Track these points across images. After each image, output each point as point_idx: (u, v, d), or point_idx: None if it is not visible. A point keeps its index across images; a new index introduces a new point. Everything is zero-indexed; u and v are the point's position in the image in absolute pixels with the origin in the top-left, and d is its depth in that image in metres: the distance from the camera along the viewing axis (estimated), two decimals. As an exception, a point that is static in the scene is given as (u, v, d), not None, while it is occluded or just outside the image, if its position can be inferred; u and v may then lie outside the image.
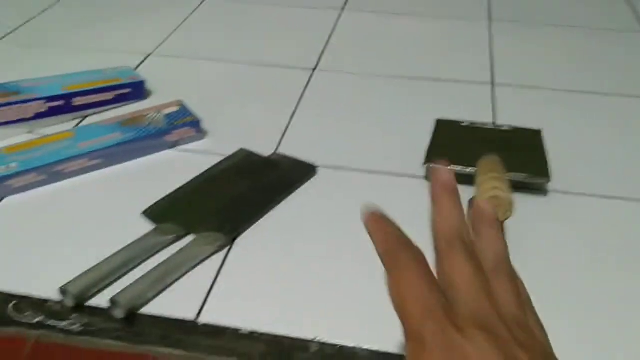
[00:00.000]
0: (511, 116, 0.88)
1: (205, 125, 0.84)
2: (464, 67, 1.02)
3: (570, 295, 0.60)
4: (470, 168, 0.71)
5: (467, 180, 0.73)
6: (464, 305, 0.29)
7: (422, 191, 0.74)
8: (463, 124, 0.83)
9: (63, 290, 0.57)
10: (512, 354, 0.27)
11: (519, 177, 0.70)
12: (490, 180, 0.56)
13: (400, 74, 1.00)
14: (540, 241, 0.67)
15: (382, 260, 0.32)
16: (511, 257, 0.64)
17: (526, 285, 0.61)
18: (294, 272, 0.63)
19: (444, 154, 0.76)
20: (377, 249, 0.33)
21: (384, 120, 0.88)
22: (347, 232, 0.68)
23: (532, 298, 0.53)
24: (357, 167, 0.78)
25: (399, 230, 0.34)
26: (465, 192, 0.72)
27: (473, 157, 0.72)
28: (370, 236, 0.34)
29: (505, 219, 0.54)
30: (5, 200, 0.71)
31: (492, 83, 0.98)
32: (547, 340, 0.31)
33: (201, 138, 0.83)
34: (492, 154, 0.68)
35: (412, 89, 0.96)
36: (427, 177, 0.76)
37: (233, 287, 0.61)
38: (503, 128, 0.83)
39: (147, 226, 0.68)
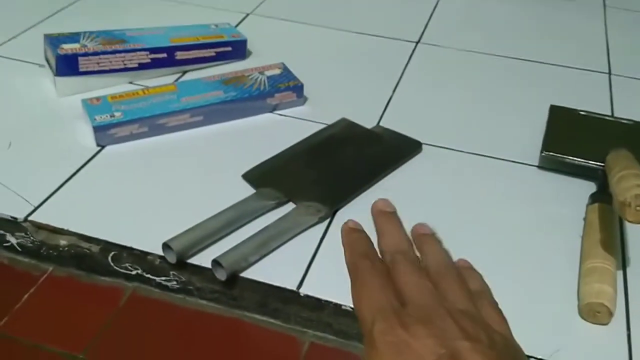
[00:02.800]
0: (629, 109, 0.82)
1: (306, 91, 0.81)
2: (578, 53, 0.96)
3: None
4: (593, 162, 0.66)
5: (588, 173, 0.68)
6: (412, 305, 0.31)
7: (535, 180, 0.70)
8: (581, 113, 0.78)
9: (166, 246, 0.56)
10: (452, 344, 0.28)
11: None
12: (632, 177, 0.51)
13: (509, 54, 0.95)
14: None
15: (348, 270, 0.35)
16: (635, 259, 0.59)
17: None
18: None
19: (562, 143, 0.71)
20: (345, 260, 0.36)
21: (492, 100, 0.84)
22: (451, 214, 0.64)
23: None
24: (465, 148, 0.74)
25: (367, 243, 0.37)
26: (584, 187, 0.68)
27: (595, 149, 0.67)
28: (343, 247, 0.38)
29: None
30: (107, 149, 0.71)
31: (609, 72, 0.91)
32: (506, 329, 0.32)
33: (301, 104, 0.80)
34: (620, 148, 0.63)
35: (522, 70, 0.91)
36: (541, 166, 0.71)
37: (334, 261, 0.59)
38: (623, 121, 0.77)
39: (246, 188, 0.66)
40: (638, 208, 0.48)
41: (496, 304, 0.34)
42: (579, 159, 0.67)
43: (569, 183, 0.69)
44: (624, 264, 0.59)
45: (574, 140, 0.71)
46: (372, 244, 0.37)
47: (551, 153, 0.69)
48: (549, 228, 0.63)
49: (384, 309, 0.31)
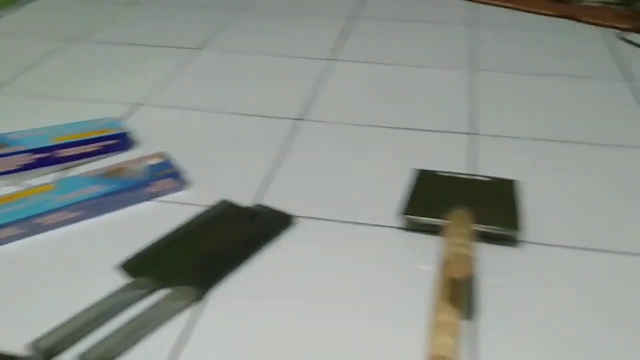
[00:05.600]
0: (491, 166, 0.89)
1: (190, 176, 0.85)
2: (445, 117, 1.04)
3: (546, 346, 0.60)
4: (442, 221, 0.72)
5: (441, 231, 0.74)
6: None
7: (398, 241, 0.75)
8: (441, 174, 0.84)
9: (33, 345, 0.58)
10: None
11: (491, 229, 0.71)
12: (456, 237, 0.57)
13: (382, 123, 1.02)
14: (513, 293, 0.67)
15: None
16: (485, 310, 0.64)
17: (499, 336, 0.61)
18: (268, 327, 0.63)
19: (420, 204, 0.77)
20: None
21: (364, 169, 0.89)
22: (322, 284, 0.68)
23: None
24: (336, 218, 0.79)
25: None
26: (439, 243, 0.73)
27: (447, 209, 0.73)
28: None
29: (468, 276, 0.54)
30: (-15, 253, 0.72)
31: (473, 133, 0.99)
32: None
33: (183, 189, 0.84)
34: (462, 208, 0.69)
35: (392, 138, 0.98)
36: (404, 228, 0.76)
37: (207, 343, 0.61)
38: (480, 179, 0.84)
39: (124, 280, 0.68)
40: (456, 265, 0.54)
41: None
42: (430, 219, 0.73)
43: (430, 242, 0.74)
44: (473, 314, 0.64)
45: (431, 201, 0.77)
46: None
47: (408, 215, 0.74)
48: (411, 286, 0.68)
49: None
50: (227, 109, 1.06)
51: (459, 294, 0.61)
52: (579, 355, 0.60)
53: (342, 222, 0.78)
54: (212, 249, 0.73)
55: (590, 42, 1.35)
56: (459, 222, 0.63)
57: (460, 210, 0.68)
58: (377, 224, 0.78)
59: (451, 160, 0.91)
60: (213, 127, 1.01)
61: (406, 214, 0.75)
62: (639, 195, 0.83)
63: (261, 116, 1.04)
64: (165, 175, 0.82)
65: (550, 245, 0.74)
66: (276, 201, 0.82)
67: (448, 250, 0.54)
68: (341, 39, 1.37)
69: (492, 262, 0.71)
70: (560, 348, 0.60)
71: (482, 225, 0.72)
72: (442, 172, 0.85)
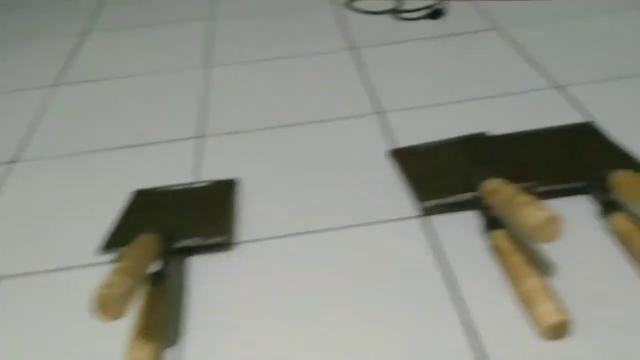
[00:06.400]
0: (216, 169, 0.86)
1: None
2: (172, 124, 0.99)
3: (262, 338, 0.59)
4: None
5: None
6: None
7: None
8: (158, 191, 0.80)
9: None
10: None
11: (196, 241, 0.69)
12: (112, 275, 0.53)
13: (105, 146, 0.95)
14: (224, 299, 0.65)
15: None
16: (197, 321, 0.61)
17: (209, 348, 0.58)
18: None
19: (128, 232, 0.72)
20: None
21: (77, 205, 0.82)
22: (27, 347, 0.62)
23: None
24: (39, 269, 0.72)
25: None
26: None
27: (155, 230, 0.69)
28: None
29: (120, 316, 0.50)
30: None
31: (200, 136, 0.96)
32: None
33: None
34: (152, 231, 0.66)
35: (115, 160, 0.91)
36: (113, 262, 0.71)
37: None
38: (199, 186, 0.81)
39: None
40: (106, 308, 0.50)
41: None
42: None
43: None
44: (177, 338, 0.61)
45: (140, 226, 0.72)
46: None
47: (108, 249, 0.70)
48: (110, 328, 0.63)
49: None
50: None
51: (151, 326, 0.58)
52: (298, 339, 0.59)
53: (44, 272, 0.72)
54: None
55: (320, 15, 1.37)
56: (132, 252, 0.59)
57: (144, 235, 0.65)
58: (84, 264, 0.72)
59: (177, 170, 0.87)
60: None
61: (107, 248, 0.70)
62: (348, 169, 0.84)
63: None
64: None
65: (262, 240, 0.73)
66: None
67: (96, 292, 0.50)
68: (70, 60, 1.27)
69: (202, 273, 0.68)
70: (275, 339, 0.59)
71: (186, 240, 0.69)
72: (160, 188, 0.81)
